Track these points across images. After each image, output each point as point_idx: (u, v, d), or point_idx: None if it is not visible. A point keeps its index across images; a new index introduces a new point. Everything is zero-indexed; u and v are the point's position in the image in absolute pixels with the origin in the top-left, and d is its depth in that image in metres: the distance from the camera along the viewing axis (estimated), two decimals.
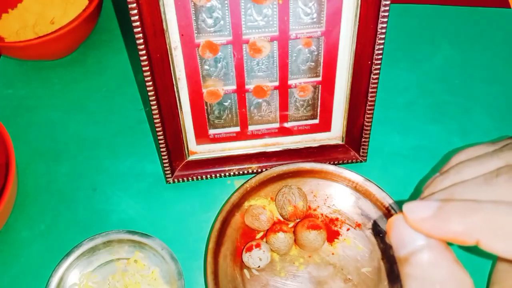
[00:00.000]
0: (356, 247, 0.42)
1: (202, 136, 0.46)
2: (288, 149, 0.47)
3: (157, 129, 0.43)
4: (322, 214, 0.44)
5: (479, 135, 0.50)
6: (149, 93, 0.40)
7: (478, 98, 0.53)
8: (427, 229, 0.22)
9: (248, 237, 0.43)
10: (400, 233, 0.23)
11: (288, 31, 0.40)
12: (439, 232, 0.21)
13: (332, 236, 0.43)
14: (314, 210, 0.44)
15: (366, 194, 0.43)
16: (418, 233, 0.22)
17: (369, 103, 0.43)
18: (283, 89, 0.43)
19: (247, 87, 0.43)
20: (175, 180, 0.47)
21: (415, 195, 0.46)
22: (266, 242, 0.41)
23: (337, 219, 0.44)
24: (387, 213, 0.42)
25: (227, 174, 0.47)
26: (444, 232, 0.21)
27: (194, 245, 0.43)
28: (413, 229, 0.22)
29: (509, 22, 0.60)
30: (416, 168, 0.48)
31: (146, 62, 0.39)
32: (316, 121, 0.46)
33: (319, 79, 0.43)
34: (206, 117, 0.45)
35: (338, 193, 0.44)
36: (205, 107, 0.44)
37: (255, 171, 0.47)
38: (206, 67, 0.42)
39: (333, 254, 0.42)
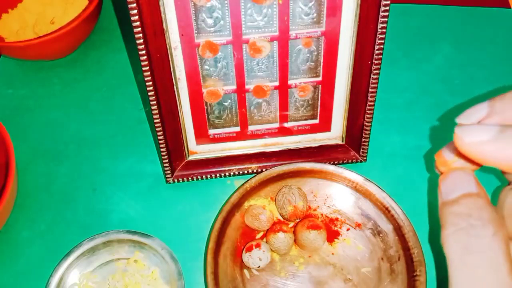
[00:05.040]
0: (356, 247, 0.42)
1: (202, 136, 0.46)
2: (288, 149, 0.47)
3: (157, 129, 0.43)
4: (322, 214, 0.44)
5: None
6: (149, 93, 0.40)
7: (478, 98, 0.53)
8: (485, 152, 0.21)
9: (248, 237, 0.43)
10: (454, 181, 0.23)
11: (288, 31, 0.40)
12: (499, 156, 0.20)
13: (332, 236, 0.43)
14: (314, 210, 0.44)
15: (366, 194, 0.43)
16: (471, 183, 0.23)
17: (369, 103, 0.43)
18: (283, 89, 0.43)
19: (247, 87, 0.43)
20: (175, 180, 0.47)
21: (415, 195, 0.46)
22: (266, 242, 0.41)
23: (337, 219, 0.44)
24: (387, 213, 0.42)
25: (227, 174, 0.47)
26: (505, 156, 0.20)
27: (194, 245, 0.43)
28: (467, 154, 0.22)
29: (509, 22, 0.60)
30: (416, 168, 0.48)
31: (146, 62, 0.39)
32: (316, 121, 0.46)
33: (319, 79, 0.43)
34: (206, 117, 0.45)
35: (338, 193, 0.44)
36: (205, 107, 0.44)
37: (255, 171, 0.47)
38: (206, 67, 0.42)
39: (333, 254, 0.42)
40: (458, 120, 0.24)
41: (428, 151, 0.49)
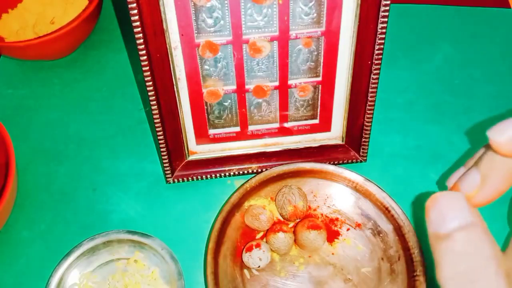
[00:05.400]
0: (356, 247, 0.42)
1: (202, 136, 0.46)
2: (288, 149, 0.47)
3: (157, 129, 0.43)
4: (322, 214, 0.44)
5: (479, 135, 0.50)
6: (149, 93, 0.40)
7: (478, 98, 0.53)
8: None
9: (248, 237, 0.43)
10: (445, 209, 0.21)
11: (288, 31, 0.40)
12: None
13: (332, 236, 0.43)
14: (314, 210, 0.44)
15: (366, 194, 0.43)
16: (464, 210, 0.21)
17: (369, 103, 0.43)
18: (283, 89, 0.43)
19: (247, 87, 0.43)
20: (175, 180, 0.47)
21: (415, 195, 0.46)
22: (266, 242, 0.41)
23: (337, 219, 0.44)
24: (387, 213, 0.42)
25: (227, 174, 0.47)
26: None
27: (194, 245, 0.43)
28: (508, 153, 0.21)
29: (509, 22, 0.60)
30: (416, 168, 0.48)
31: (146, 62, 0.39)
32: (316, 121, 0.46)
33: (319, 79, 0.43)
34: (206, 117, 0.45)
35: (338, 193, 0.44)
36: (205, 107, 0.44)
37: (255, 171, 0.47)
38: (206, 67, 0.42)
39: (333, 254, 0.42)
40: (488, 133, 0.23)
41: (428, 153, 0.49)
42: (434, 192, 0.47)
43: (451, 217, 0.21)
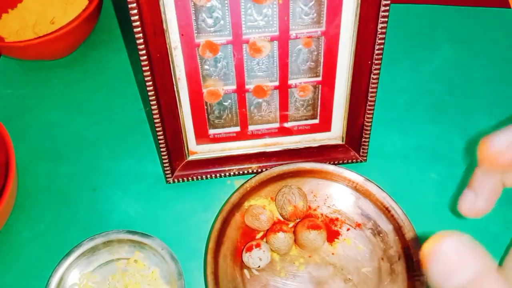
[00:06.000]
0: (356, 247, 0.42)
1: (202, 136, 0.46)
2: (288, 149, 0.47)
3: (157, 129, 0.43)
4: (322, 214, 0.44)
5: (479, 135, 0.50)
6: (149, 93, 0.40)
7: (478, 98, 0.53)
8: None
9: (248, 237, 0.43)
10: (447, 262, 0.19)
11: (288, 31, 0.40)
12: None
13: (332, 236, 0.43)
14: (314, 210, 0.44)
15: (366, 194, 0.43)
16: (468, 262, 0.19)
17: (369, 103, 0.43)
18: (283, 89, 0.43)
19: (247, 87, 0.43)
20: (175, 180, 0.47)
21: (415, 195, 0.46)
22: (266, 242, 0.41)
23: (337, 219, 0.44)
24: (387, 213, 0.42)
25: (227, 174, 0.47)
26: None
27: (194, 245, 0.43)
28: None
29: (509, 22, 0.60)
30: (416, 168, 0.48)
31: (146, 62, 0.39)
32: (316, 121, 0.46)
33: (319, 79, 0.43)
34: (206, 117, 0.45)
35: (338, 193, 0.44)
36: (205, 107, 0.44)
37: (255, 171, 0.47)
38: (206, 67, 0.42)
39: (333, 254, 0.42)
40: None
41: (428, 153, 0.49)
42: (434, 191, 0.47)
43: (457, 270, 0.19)
